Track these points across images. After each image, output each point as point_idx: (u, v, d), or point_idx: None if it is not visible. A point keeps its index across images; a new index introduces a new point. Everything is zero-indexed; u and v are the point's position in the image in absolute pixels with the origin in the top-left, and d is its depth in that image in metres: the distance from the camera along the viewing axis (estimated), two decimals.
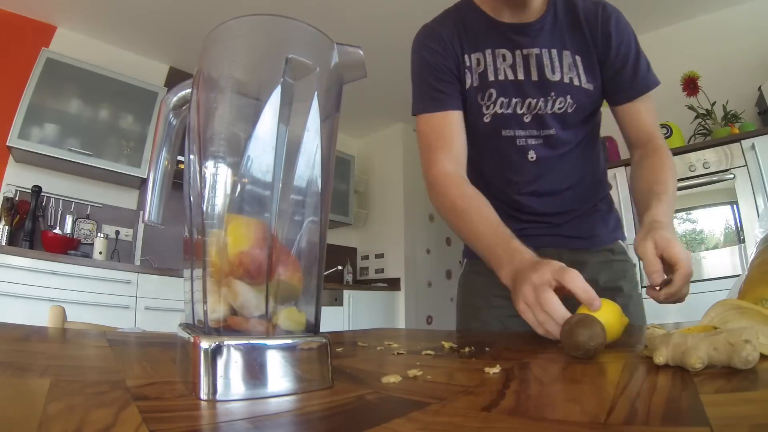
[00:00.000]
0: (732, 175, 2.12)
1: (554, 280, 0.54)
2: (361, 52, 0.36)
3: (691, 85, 2.60)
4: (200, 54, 0.35)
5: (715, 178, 2.16)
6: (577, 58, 0.80)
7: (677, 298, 0.63)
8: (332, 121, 0.36)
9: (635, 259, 0.91)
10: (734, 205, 2.10)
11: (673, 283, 0.61)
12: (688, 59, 2.72)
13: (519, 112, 0.82)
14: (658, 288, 0.63)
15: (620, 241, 0.92)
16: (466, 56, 0.84)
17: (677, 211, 2.28)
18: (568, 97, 0.81)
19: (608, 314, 0.49)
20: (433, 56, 0.84)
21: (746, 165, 2.10)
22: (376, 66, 2.52)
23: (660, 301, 0.64)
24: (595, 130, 0.90)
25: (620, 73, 0.80)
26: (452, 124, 0.83)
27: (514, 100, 0.82)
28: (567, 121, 0.83)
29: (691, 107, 2.51)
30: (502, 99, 0.82)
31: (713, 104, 2.45)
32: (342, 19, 2.71)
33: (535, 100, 0.81)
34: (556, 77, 0.80)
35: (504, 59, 0.81)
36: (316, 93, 0.33)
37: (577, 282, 0.52)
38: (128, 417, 0.21)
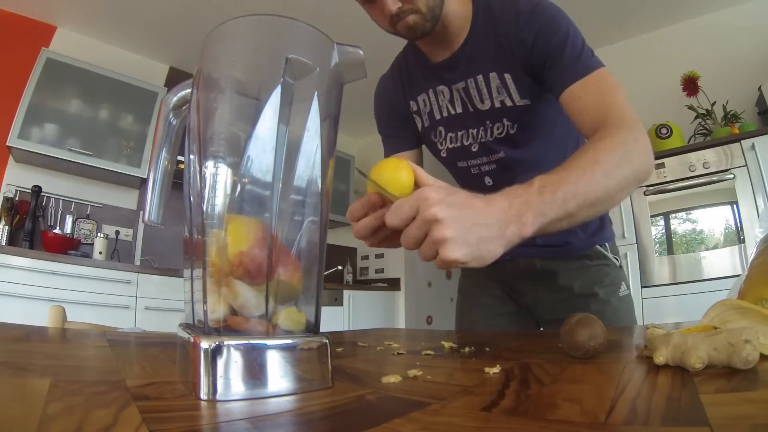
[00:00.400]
0: (732, 175, 2.12)
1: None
2: (361, 52, 0.36)
3: (691, 85, 2.59)
4: (200, 54, 0.35)
5: (715, 178, 2.16)
6: (506, 76, 0.74)
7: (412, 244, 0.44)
8: (332, 121, 0.36)
9: (618, 262, 0.90)
10: (734, 205, 2.10)
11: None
12: (688, 59, 2.72)
13: (466, 143, 0.84)
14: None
15: (598, 246, 0.88)
16: (411, 102, 0.88)
17: (676, 211, 2.28)
18: (505, 120, 0.78)
19: (385, 172, 0.46)
20: (382, 108, 0.93)
21: (746, 165, 2.10)
22: (377, 66, 2.51)
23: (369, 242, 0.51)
24: (562, 139, 0.84)
25: (546, 67, 0.70)
26: None
27: (459, 133, 0.84)
28: (515, 142, 0.80)
29: (691, 107, 2.51)
30: (450, 134, 0.85)
31: (713, 104, 2.45)
32: (342, 19, 2.72)
33: (476, 129, 0.82)
34: (486, 105, 0.78)
35: (444, 95, 0.83)
36: (316, 93, 0.33)
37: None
38: (128, 417, 0.21)
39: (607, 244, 0.89)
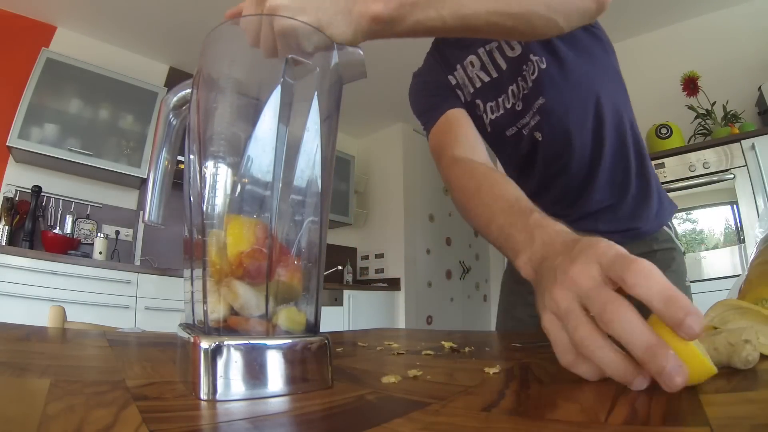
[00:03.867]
0: (732, 175, 2.12)
1: (604, 275, 0.30)
2: (361, 52, 0.36)
3: (691, 85, 2.60)
4: (200, 54, 0.35)
5: (715, 178, 2.16)
6: None
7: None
8: (332, 121, 0.36)
9: (683, 248, 0.82)
10: (734, 205, 2.10)
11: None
12: (688, 59, 2.72)
13: (508, 106, 0.78)
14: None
15: (666, 228, 0.80)
16: (450, 77, 0.83)
17: (676, 211, 2.28)
18: (531, 55, 0.73)
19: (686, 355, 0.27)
20: (423, 84, 0.86)
21: (746, 165, 2.10)
22: (376, 66, 2.51)
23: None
24: (603, 83, 0.76)
25: None
26: (454, 120, 0.78)
27: (500, 99, 0.79)
28: (545, 83, 0.73)
29: (691, 107, 2.51)
30: (490, 104, 0.80)
31: (713, 104, 2.45)
32: None
33: (514, 85, 0.76)
34: (517, 51, 0.74)
35: (473, 65, 0.79)
36: (316, 93, 0.33)
37: (649, 281, 0.27)
38: (128, 417, 0.21)
39: (671, 224, 0.81)
